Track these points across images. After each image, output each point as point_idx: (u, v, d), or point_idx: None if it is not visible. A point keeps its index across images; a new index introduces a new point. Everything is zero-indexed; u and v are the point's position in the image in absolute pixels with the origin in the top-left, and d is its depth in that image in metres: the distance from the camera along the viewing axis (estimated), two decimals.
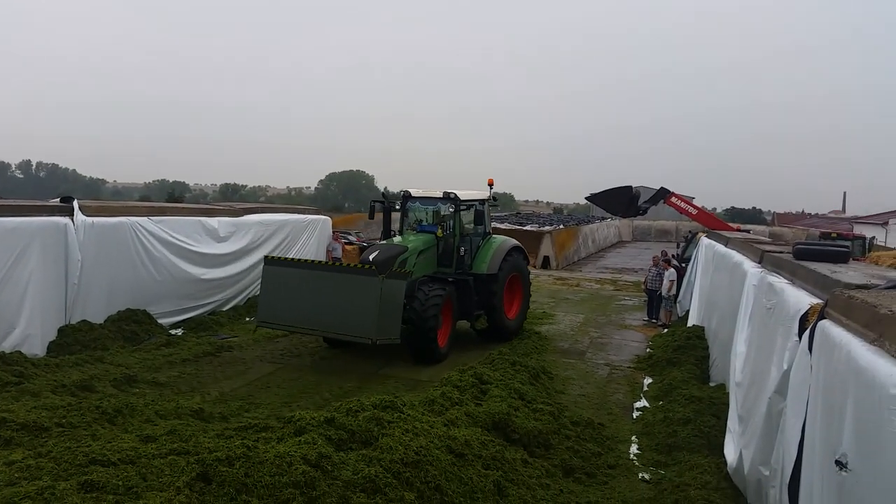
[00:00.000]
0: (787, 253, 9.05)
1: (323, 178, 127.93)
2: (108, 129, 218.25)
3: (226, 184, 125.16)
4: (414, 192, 14.77)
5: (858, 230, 43.13)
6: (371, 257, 12.54)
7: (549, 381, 11.64)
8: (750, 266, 9.68)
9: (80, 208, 12.62)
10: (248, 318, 16.14)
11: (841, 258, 8.24)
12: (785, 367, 5.98)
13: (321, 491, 4.75)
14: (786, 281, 7.57)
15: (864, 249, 23.86)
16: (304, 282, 11.88)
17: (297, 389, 10.85)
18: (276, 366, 12.24)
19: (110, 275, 13.05)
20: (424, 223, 14.77)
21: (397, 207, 14.98)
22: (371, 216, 15.41)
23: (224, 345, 13.30)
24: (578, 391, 11.59)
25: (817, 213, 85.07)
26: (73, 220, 12.26)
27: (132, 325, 13.30)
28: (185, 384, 10.73)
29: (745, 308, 8.78)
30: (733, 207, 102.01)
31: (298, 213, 20.33)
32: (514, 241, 15.58)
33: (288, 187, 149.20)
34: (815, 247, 8.63)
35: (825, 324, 5.19)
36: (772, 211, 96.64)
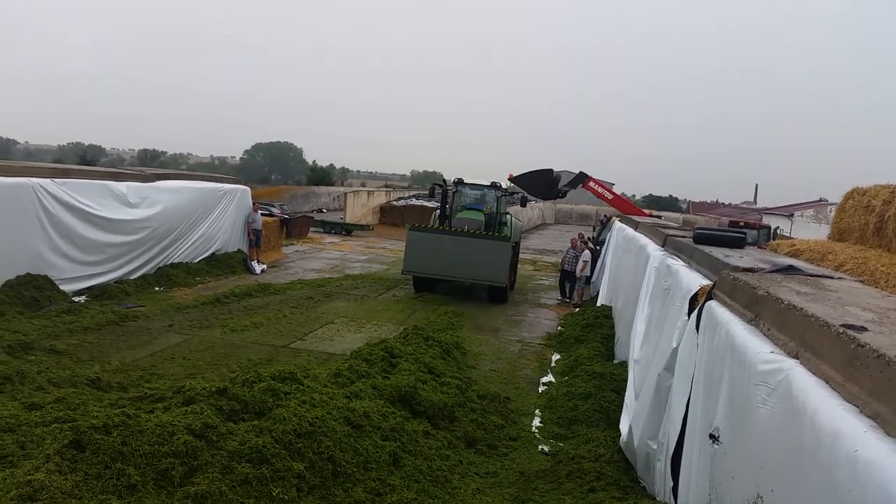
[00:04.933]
0: (689, 238, 9.42)
1: (249, 147, 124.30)
2: (20, 86, 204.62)
3: (144, 149, 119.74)
4: (466, 180, 19.63)
5: (767, 220, 45.34)
6: (466, 227, 17.42)
7: (461, 356, 11.72)
8: (653, 249, 10.02)
9: None
10: (157, 288, 15.60)
11: (737, 243, 8.63)
12: (674, 344, 6.22)
13: (203, 461, 4.63)
14: (683, 263, 7.86)
15: (768, 238, 25.06)
16: (446, 243, 16.73)
17: (204, 361, 10.54)
18: (183, 337, 11.86)
19: (9, 238, 12.27)
20: (470, 203, 19.26)
21: (451, 189, 19.57)
22: (431, 195, 21.56)
23: (129, 314, 12.79)
24: (489, 366, 11.75)
25: (730, 203, 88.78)
26: None
27: (32, 290, 12.58)
28: (85, 353, 10.25)
29: (646, 289, 9.09)
30: (651, 195, 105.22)
31: (216, 181, 19.70)
32: (520, 221, 21.86)
33: (211, 156, 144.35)
34: (713, 232, 9.02)
35: (712, 304, 5.42)
36: (687, 199, 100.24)
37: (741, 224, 27.44)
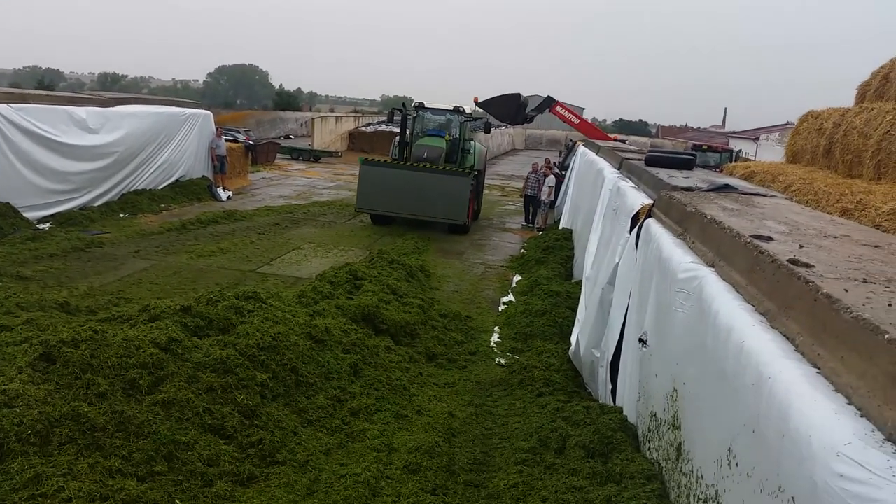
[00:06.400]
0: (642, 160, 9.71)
1: (212, 70, 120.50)
2: None
3: (104, 73, 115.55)
4: (427, 104, 18.43)
5: (733, 144, 45.91)
6: (426, 154, 16.55)
7: (425, 278, 12.05)
8: (609, 172, 10.31)
9: None
10: (122, 214, 15.56)
11: (685, 165, 8.96)
12: (616, 260, 6.60)
13: (169, 371, 4.94)
14: (633, 185, 8.18)
15: (730, 160, 25.59)
16: (401, 178, 15.77)
17: (172, 286, 10.71)
18: (150, 262, 11.98)
19: None
20: (431, 129, 18.21)
21: (411, 115, 18.25)
22: (390, 120, 20.12)
23: (95, 240, 12.81)
24: (452, 288, 12.12)
25: (699, 127, 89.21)
26: None
27: None
28: (52, 279, 10.33)
29: (600, 210, 9.43)
30: (621, 119, 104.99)
31: (178, 106, 19.36)
32: (484, 147, 20.12)
33: (174, 79, 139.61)
34: (663, 154, 9.32)
35: (650, 221, 5.75)
36: (657, 124, 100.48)
37: (704, 147, 27.97)
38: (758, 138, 53.39)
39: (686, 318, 3.85)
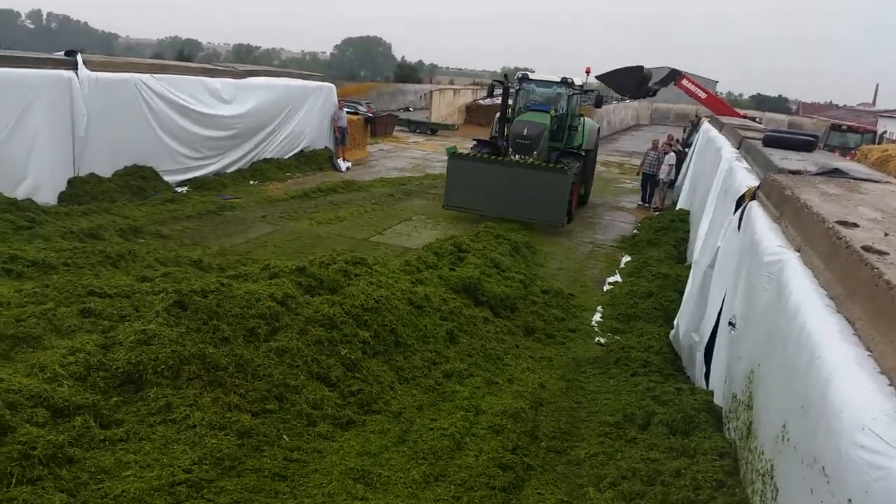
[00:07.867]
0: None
1: (339, 43, 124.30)
2: None
3: (239, 44, 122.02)
4: (531, 75, 16.83)
5: (882, 124, 42.27)
6: (526, 132, 14.89)
7: (530, 254, 12.20)
8: (728, 151, 10.02)
9: (84, 63, 12.77)
10: (251, 182, 16.72)
11: (807, 147, 8.60)
12: (719, 243, 6.53)
13: (284, 323, 5.57)
14: (746, 166, 7.98)
15: (873, 142, 23.76)
16: (492, 175, 14.35)
17: (293, 249, 11.51)
18: (275, 227, 12.91)
19: (116, 130, 13.27)
20: (536, 103, 16.36)
21: (514, 87, 16.54)
22: (490, 94, 19.04)
23: (227, 205, 13.92)
24: (557, 265, 12.20)
25: (845, 105, 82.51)
26: (77, 74, 12.42)
27: (139, 180, 13.76)
28: (188, 238, 11.38)
29: (714, 191, 9.22)
30: (759, 94, 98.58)
31: (304, 79, 20.32)
32: (596, 124, 18.67)
33: (303, 51, 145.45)
34: (782, 135, 8.97)
35: (752, 204, 5.69)
36: (798, 100, 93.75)
37: (844, 128, 26.06)
38: None
39: (767, 300, 3.89)
